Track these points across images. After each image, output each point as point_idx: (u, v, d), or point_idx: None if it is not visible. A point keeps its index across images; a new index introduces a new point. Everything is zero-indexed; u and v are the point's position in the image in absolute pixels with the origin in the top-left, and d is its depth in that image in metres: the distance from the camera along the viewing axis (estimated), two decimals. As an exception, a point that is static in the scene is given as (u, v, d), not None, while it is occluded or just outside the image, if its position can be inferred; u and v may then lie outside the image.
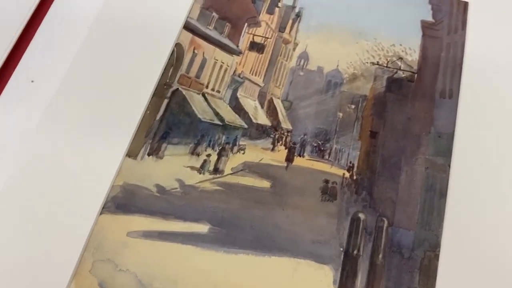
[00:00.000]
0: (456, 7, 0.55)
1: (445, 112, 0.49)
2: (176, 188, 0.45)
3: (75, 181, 0.45)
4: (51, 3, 0.61)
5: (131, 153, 0.46)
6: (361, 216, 0.44)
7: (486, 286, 0.41)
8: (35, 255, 0.42)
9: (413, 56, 0.52)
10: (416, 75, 0.51)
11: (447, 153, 0.47)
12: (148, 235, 0.43)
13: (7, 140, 0.51)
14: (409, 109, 0.50)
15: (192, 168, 0.47)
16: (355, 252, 0.43)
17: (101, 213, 0.44)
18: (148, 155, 0.47)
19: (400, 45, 0.53)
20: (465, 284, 0.41)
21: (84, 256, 0.43)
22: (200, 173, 0.46)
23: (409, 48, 0.53)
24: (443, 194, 0.45)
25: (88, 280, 0.42)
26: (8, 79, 0.57)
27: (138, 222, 0.44)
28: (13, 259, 0.42)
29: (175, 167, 0.46)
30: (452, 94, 0.50)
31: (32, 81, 0.56)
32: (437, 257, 0.42)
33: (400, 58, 0.52)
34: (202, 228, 0.44)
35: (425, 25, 0.54)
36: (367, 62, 0.52)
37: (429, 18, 0.54)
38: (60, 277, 0.41)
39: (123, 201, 0.45)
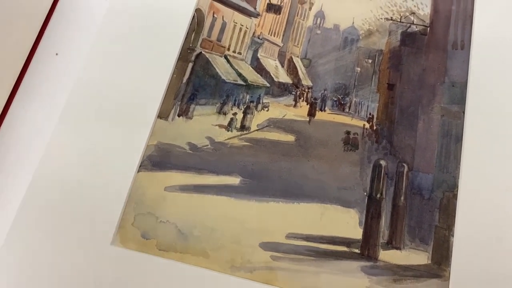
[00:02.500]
0: (466, -40, 0.56)
1: (457, 62, 0.51)
2: (207, 145, 0.48)
3: (112, 143, 0.48)
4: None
5: (162, 115, 0.49)
6: (383, 162, 0.47)
7: (502, 219, 0.44)
8: (83, 213, 0.45)
9: (425, 10, 0.54)
10: (428, 28, 0.53)
11: (461, 101, 0.49)
12: (185, 188, 0.47)
13: (40, 111, 0.54)
14: (423, 61, 0.52)
15: (220, 126, 0.49)
16: (378, 195, 0.46)
17: (138, 171, 0.47)
18: (178, 115, 0.49)
19: (412, 0, 0.54)
20: (482, 218, 0.44)
21: (126, 211, 0.46)
22: (228, 131, 0.49)
23: (421, 3, 0.54)
24: (458, 139, 0.48)
25: (131, 232, 0.45)
26: (34, 52, 0.59)
27: (174, 178, 0.47)
28: (64, 218, 0.45)
29: (204, 126, 0.49)
30: (464, 45, 0.52)
31: (57, 54, 0.58)
32: (455, 196, 0.45)
33: (413, 13, 0.54)
34: (234, 180, 0.47)
35: (436, -20, 0.55)
36: (382, 18, 0.54)
37: (440, -28, 0.56)
38: (106, 231, 0.45)
39: (158, 159, 0.48)
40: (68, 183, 0.46)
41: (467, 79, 0.50)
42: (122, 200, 0.46)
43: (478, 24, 0.53)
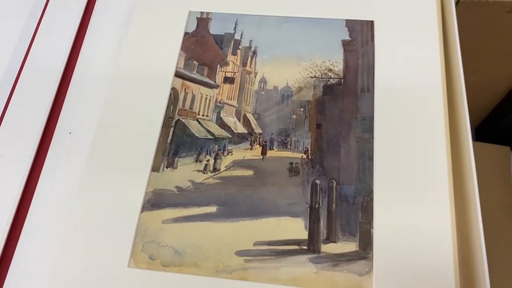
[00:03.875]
0: (365, 25, 0.76)
1: (366, 102, 0.70)
2: (190, 186, 0.66)
3: (121, 193, 0.65)
4: (73, 71, 0.81)
5: (155, 168, 0.67)
6: (318, 181, 0.65)
7: (407, 212, 0.61)
8: (106, 246, 0.62)
9: (339, 66, 0.73)
10: (342, 80, 0.72)
11: (370, 130, 0.67)
12: (176, 220, 0.63)
13: (61, 177, 0.71)
14: (340, 104, 0.71)
15: (198, 171, 0.67)
16: (316, 206, 0.63)
17: (142, 212, 0.64)
18: (166, 167, 0.67)
19: (329, 60, 0.74)
20: (393, 212, 0.61)
21: (136, 241, 0.62)
22: (204, 173, 0.66)
23: (335, 61, 0.74)
24: (370, 158, 0.65)
25: (141, 256, 0.61)
26: (53, 132, 0.77)
27: (168, 213, 0.64)
28: (92, 250, 0.62)
29: (186, 172, 0.67)
30: (369, 89, 0.71)
31: (70, 133, 0.76)
32: (372, 199, 0.62)
33: (330, 70, 0.73)
34: (211, 209, 0.64)
35: (345, 43, 0.75)
36: (308, 77, 0.73)
37: (347, 37, 0.76)
38: (123, 257, 0.61)
39: (155, 201, 0.65)
40: (93, 226, 0.63)
41: (373, 114, 0.69)
42: (132, 234, 0.62)
43: (378, 72, 0.72)
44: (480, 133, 1.58)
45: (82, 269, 0.61)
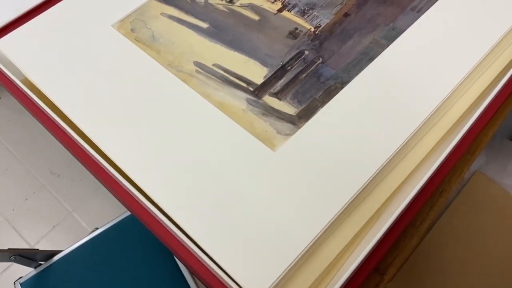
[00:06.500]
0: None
1: (407, 18, 0.63)
2: (202, 2, 0.68)
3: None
4: None
5: (187, -25, 0.70)
6: (306, 52, 0.61)
7: (363, 124, 0.54)
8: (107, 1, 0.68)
9: (408, -21, 0.67)
10: (402, -8, 0.66)
11: (391, 39, 0.61)
12: (172, 17, 0.66)
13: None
14: (383, 9, 0.64)
15: (217, -5, 0.69)
16: (288, 67, 0.60)
17: (153, -1, 0.69)
18: (196, -20, 0.70)
19: (403, -28, 0.68)
20: (348, 113, 0.55)
21: (131, 15, 0.67)
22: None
23: (408, -24, 0.67)
24: (371, 59, 0.59)
25: (126, 24, 0.66)
26: None
27: (170, 10, 0.67)
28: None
29: (207, -9, 0.69)
30: (420, 10, 0.63)
31: None
32: (341, 87, 0.57)
33: (398, -23, 0.67)
34: (204, 24, 0.65)
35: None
36: (371, -26, 0.68)
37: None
38: (114, 18, 0.67)
39: (168, -3, 0.69)
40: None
41: (405, 30, 0.61)
42: (134, 7, 0.68)
43: (440, 4, 0.64)
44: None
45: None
